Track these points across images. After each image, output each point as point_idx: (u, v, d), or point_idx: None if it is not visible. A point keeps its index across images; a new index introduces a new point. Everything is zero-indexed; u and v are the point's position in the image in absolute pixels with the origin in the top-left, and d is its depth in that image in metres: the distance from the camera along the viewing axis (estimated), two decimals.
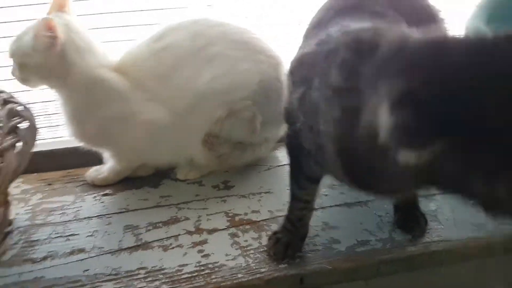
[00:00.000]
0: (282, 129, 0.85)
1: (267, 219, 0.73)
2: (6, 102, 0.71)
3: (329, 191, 0.79)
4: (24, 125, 0.66)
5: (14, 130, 0.62)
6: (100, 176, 0.84)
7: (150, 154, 0.82)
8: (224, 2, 0.97)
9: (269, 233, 0.69)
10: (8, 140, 0.59)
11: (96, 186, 0.84)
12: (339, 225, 0.71)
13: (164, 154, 0.83)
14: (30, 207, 0.77)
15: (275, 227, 0.71)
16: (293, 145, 0.61)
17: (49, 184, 0.85)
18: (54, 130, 0.93)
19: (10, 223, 0.71)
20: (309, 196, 0.64)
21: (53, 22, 0.68)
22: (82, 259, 0.66)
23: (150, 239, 0.70)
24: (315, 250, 0.66)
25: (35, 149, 0.86)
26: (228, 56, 0.77)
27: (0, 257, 0.65)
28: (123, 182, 0.85)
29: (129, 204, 0.78)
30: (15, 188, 0.82)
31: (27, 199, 0.79)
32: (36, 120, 0.69)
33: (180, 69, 0.76)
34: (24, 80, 0.74)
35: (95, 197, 0.81)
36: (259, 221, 0.73)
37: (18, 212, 0.75)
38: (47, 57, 0.70)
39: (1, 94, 0.74)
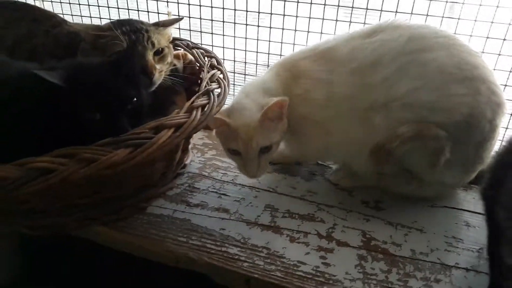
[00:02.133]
0: (466, 180, 0.75)
1: (406, 257, 0.67)
2: (212, 67, 0.84)
3: None
4: (218, 90, 0.76)
5: (208, 93, 0.73)
6: None
7: (324, 155, 0.84)
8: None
9: (402, 272, 0.63)
10: (200, 101, 0.69)
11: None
12: None
13: (340, 155, 0.81)
14: (204, 159, 0.90)
15: (410, 268, 0.64)
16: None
17: None
18: None
19: (184, 166, 0.85)
20: None
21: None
22: (223, 218, 0.74)
23: (282, 225, 0.73)
24: None
25: None
26: (442, 70, 0.67)
27: (167, 191, 0.78)
28: (281, 165, 0.89)
29: (278, 187, 0.83)
30: (199, 139, 0.97)
31: (204, 152, 0.93)
32: (229, 88, 0.79)
33: (381, 68, 0.69)
34: None
35: None
36: (396, 255, 0.67)
37: (193, 160, 0.89)
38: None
39: (212, 60, 0.87)
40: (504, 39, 0.80)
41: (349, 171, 0.83)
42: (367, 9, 0.86)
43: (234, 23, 0.97)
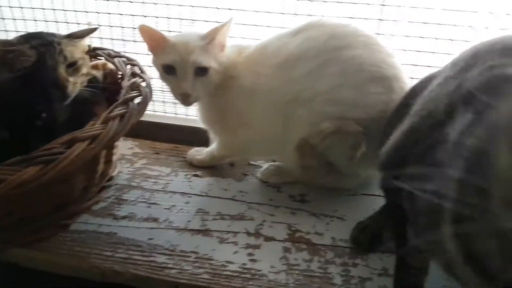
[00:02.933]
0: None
1: (327, 245, 0.70)
2: (134, 75, 0.83)
3: None
4: (138, 100, 0.76)
5: (127, 102, 0.72)
6: (198, 157, 0.92)
7: (250, 149, 0.85)
8: None
9: (322, 259, 0.66)
10: (117, 111, 0.69)
11: (192, 165, 0.92)
12: None
13: (263, 151, 0.85)
14: (133, 169, 0.89)
15: (331, 255, 0.68)
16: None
17: (156, 153, 0.96)
18: (171, 106, 1.03)
19: (110, 178, 0.83)
20: (420, 262, 0.56)
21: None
22: (152, 228, 0.74)
23: (213, 227, 0.74)
24: None
25: (154, 120, 1.01)
26: (362, 68, 0.70)
27: (92, 206, 0.77)
28: (214, 168, 0.91)
29: (210, 190, 0.84)
30: (128, 149, 0.96)
31: (133, 162, 0.92)
32: (152, 96, 0.79)
33: (304, 63, 0.72)
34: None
35: (186, 175, 0.89)
36: (317, 244, 0.70)
37: (121, 171, 0.88)
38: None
39: (134, 68, 0.86)
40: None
41: (277, 168, 0.87)
42: None
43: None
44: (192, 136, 0.95)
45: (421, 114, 0.49)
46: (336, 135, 0.71)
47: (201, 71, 0.73)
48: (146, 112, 0.91)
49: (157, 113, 1.04)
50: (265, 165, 0.89)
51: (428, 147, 0.42)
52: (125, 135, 0.95)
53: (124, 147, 0.96)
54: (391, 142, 0.54)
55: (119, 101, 0.72)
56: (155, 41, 0.74)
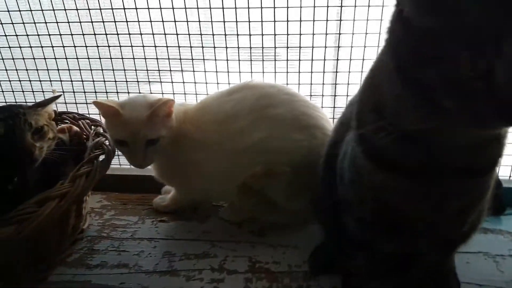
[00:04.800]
0: None
1: (283, 271, 0.78)
2: (98, 135, 0.91)
3: None
4: (103, 157, 0.84)
5: (92, 160, 0.80)
6: (163, 204, 0.99)
7: (205, 193, 0.93)
8: None
9: (280, 285, 0.74)
10: (83, 169, 0.76)
11: (158, 211, 0.99)
12: None
13: (216, 194, 0.94)
14: (102, 221, 0.95)
15: (287, 280, 0.76)
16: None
17: (124, 204, 1.03)
18: None
19: (82, 231, 0.89)
20: (359, 268, 0.66)
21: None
22: (123, 273, 0.79)
23: (180, 267, 0.80)
24: None
25: (121, 173, 1.08)
26: (286, 122, 0.82)
27: (66, 258, 0.82)
28: (179, 213, 0.98)
29: (176, 233, 0.91)
30: (97, 203, 1.02)
31: (102, 214, 0.98)
32: (116, 151, 0.87)
33: (239, 120, 0.83)
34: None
35: (153, 221, 0.95)
36: (275, 272, 0.78)
37: (92, 223, 0.94)
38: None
39: (98, 128, 0.94)
40: None
41: (235, 207, 0.95)
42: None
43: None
44: (158, 184, 1.03)
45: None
46: (268, 177, 0.83)
47: (152, 142, 0.80)
48: (112, 166, 0.99)
49: (123, 166, 1.11)
50: (226, 205, 0.97)
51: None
52: (94, 189, 1.03)
53: (93, 201, 1.02)
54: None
55: (84, 160, 0.80)
56: (110, 116, 0.81)
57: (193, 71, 1.02)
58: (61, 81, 1.07)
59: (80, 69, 1.05)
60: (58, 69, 1.06)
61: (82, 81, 1.06)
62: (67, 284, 0.76)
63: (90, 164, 0.79)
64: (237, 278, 0.77)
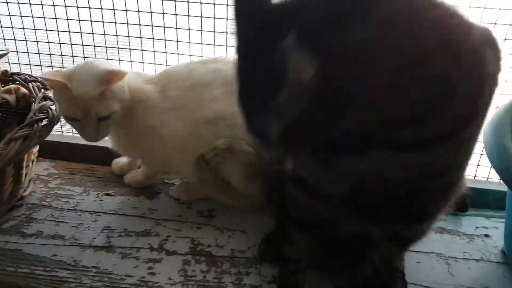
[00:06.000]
0: None
1: (224, 256, 0.76)
2: (46, 99, 0.86)
3: None
4: (45, 122, 0.79)
5: (32, 124, 0.75)
6: (134, 179, 0.95)
7: (168, 164, 0.88)
8: None
9: (219, 270, 0.72)
10: (21, 132, 0.72)
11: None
12: None
13: (174, 165, 0.87)
14: (46, 189, 0.91)
15: (227, 265, 0.73)
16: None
17: (71, 174, 0.98)
18: None
19: (21, 198, 0.85)
20: (298, 253, 0.65)
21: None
22: (57, 245, 0.76)
23: (117, 244, 0.77)
24: None
25: (71, 141, 1.03)
26: None
27: (0, 225, 0.78)
28: (128, 187, 0.94)
29: (120, 208, 0.87)
30: (45, 170, 0.97)
31: (47, 182, 0.93)
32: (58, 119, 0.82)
33: (212, 88, 0.79)
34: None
35: (98, 194, 0.91)
36: (216, 256, 0.75)
37: (35, 191, 0.89)
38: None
39: (47, 92, 0.89)
40: None
41: (187, 184, 0.92)
42: None
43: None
44: (108, 156, 0.98)
45: None
46: (228, 153, 0.78)
47: (104, 117, 0.75)
48: (65, 134, 0.93)
49: (75, 135, 1.06)
50: (178, 183, 0.94)
51: None
52: (43, 156, 0.98)
53: (40, 168, 0.97)
54: None
55: (24, 123, 0.75)
56: (57, 90, 0.76)
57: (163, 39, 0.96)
58: (15, 40, 1.00)
59: (35, 29, 0.99)
60: (12, 27, 0.99)
61: (37, 41, 1.00)
62: None
63: (30, 127, 0.74)
64: (175, 259, 0.74)
